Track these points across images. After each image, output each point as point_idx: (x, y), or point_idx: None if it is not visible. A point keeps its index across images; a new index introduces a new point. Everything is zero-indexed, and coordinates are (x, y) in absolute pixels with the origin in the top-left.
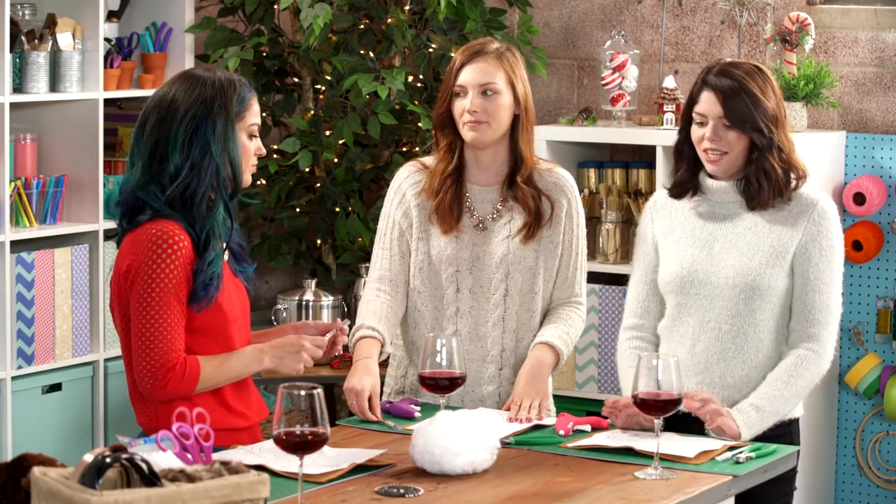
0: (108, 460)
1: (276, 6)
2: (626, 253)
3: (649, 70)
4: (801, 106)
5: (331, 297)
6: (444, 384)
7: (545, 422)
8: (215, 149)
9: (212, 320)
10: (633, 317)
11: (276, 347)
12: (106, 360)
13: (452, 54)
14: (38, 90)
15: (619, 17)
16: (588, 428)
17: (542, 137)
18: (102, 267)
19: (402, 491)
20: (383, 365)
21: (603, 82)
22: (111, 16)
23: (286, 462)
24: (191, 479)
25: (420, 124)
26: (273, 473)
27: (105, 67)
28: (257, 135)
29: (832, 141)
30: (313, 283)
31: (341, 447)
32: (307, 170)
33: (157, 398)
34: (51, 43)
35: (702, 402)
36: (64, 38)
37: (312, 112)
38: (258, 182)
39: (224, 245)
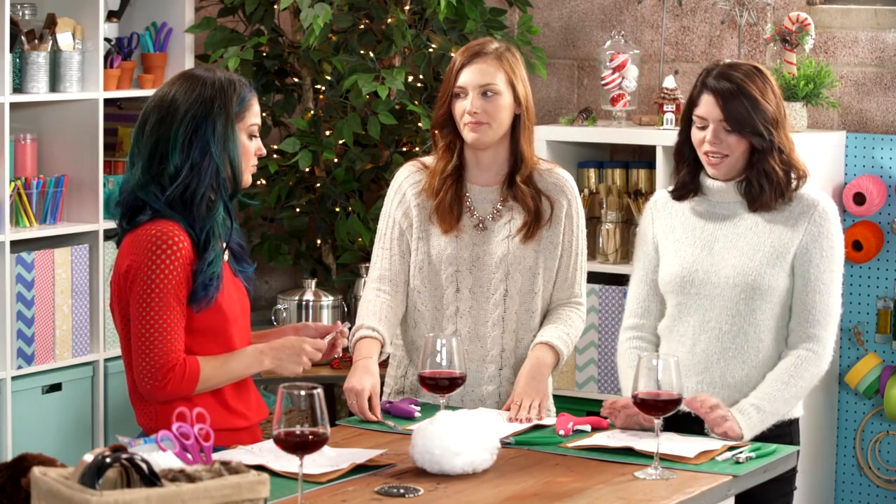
0: (108, 460)
1: (276, 6)
2: (626, 253)
3: (649, 70)
4: (801, 106)
5: (331, 297)
6: (444, 384)
7: (545, 422)
8: (215, 149)
9: (212, 320)
10: (633, 317)
11: (276, 349)
12: (106, 360)
13: (452, 54)
14: (38, 90)
15: (619, 17)
16: (588, 428)
17: (542, 137)
18: (102, 267)
19: (402, 491)
20: (383, 365)
21: (603, 82)
22: (111, 16)
23: (286, 462)
24: (191, 479)
25: (420, 124)
26: (273, 473)
27: (105, 67)
28: (257, 135)
29: (832, 141)
30: (313, 283)
31: (341, 447)
32: (307, 170)
33: (156, 398)
34: (51, 43)
35: (711, 408)
36: (64, 38)
37: (312, 112)
38: (258, 182)
39: (224, 245)
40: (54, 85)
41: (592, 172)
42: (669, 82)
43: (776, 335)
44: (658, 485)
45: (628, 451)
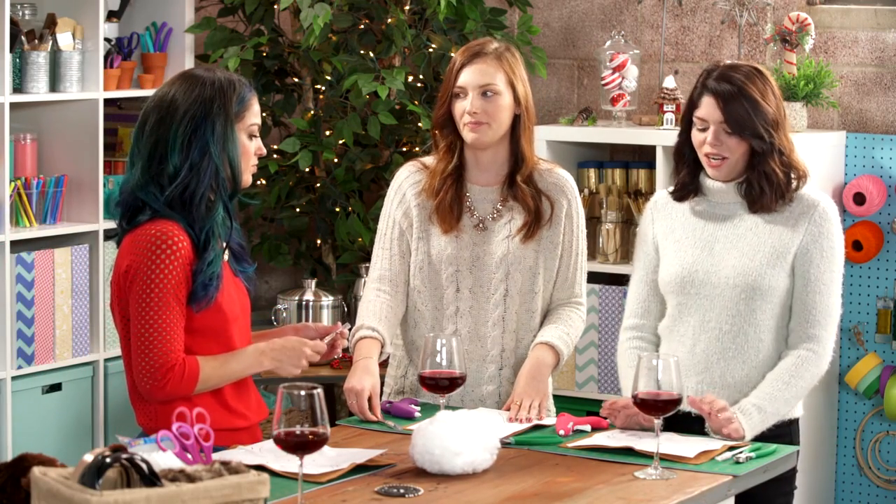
0: (108, 460)
1: (276, 6)
2: (626, 253)
3: (649, 70)
4: (801, 106)
5: (331, 297)
6: (444, 384)
7: (545, 422)
8: (214, 149)
9: (212, 320)
10: (633, 317)
11: (276, 350)
12: (106, 360)
13: (452, 54)
14: (38, 90)
15: (619, 17)
16: (588, 428)
17: (542, 137)
18: (102, 267)
19: (402, 491)
20: (383, 365)
21: (603, 82)
22: (111, 16)
23: (286, 462)
24: (191, 479)
25: (420, 124)
26: (273, 473)
27: (105, 67)
28: (257, 135)
29: (832, 141)
30: (313, 283)
31: (341, 447)
32: (307, 170)
33: (156, 398)
34: (51, 43)
35: (718, 410)
36: (64, 38)
37: (312, 112)
38: (258, 182)
39: (224, 245)
40: (54, 85)
41: (592, 172)
42: (669, 82)
43: (776, 335)
44: (658, 485)
45: (628, 451)
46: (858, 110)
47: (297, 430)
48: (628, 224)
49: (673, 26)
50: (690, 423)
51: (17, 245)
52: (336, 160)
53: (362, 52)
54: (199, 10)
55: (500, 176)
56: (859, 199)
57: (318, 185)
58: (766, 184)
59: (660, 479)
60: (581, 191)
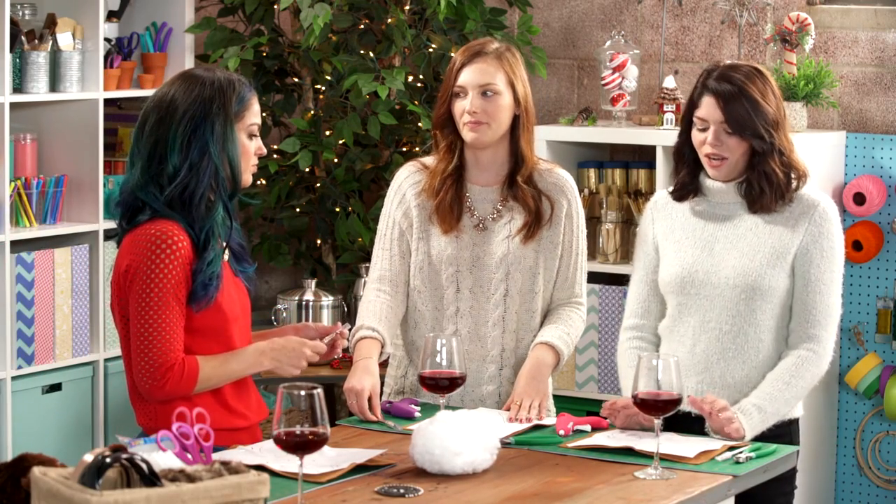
0: (108, 460)
1: (276, 6)
2: (626, 253)
3: (649, 70)
4: (801, 106)
5: (331, 297)
6: (444, 384)
7: (545, 422)
8: (214, 149)
9: (212, 320)
10: (633, 317)
11: (276, 350)
12: (106, 360)
13: (452, 54)
14: (38, 90)
15: (619, 17)
16: (588, 428)
17: (542, 137)
18: (102, 267)
19: (402, 491)
20: (383, 365)
21: (603, 82)
22: (111, 16)
23: (286, 462)
24: (191, 479)
25: (420, 124)
26: (273, 473)
27: (105, 67)
28: (258, 134)
29: (832, 141)
30: (313, 283)
31: (341, 447)
32: (307, 170)
33: (155, 398)
34: (51, 43)
35: (719, 410)
36: (64, 38)
37: (312, 112)
38: (258, 182)
39: (224, 245)
40: (54, 85)
41: (592, 172)
42: (669, 82)
43: (776, 335)
44: (658, 485)
45: (628, 451)
46: (858, 110)
47: (297, 430)
48: (628, 224)
49: (673, 26)
50: (690, 423)
51: (17, 245)
52: (336, 160)
53: (362, 52)
54: (199, 10)
55: (500, 176)
56: (859, 199)
57: (318, 185)
58: (766, 184)
59: (660, 479)
60: (581, 191)
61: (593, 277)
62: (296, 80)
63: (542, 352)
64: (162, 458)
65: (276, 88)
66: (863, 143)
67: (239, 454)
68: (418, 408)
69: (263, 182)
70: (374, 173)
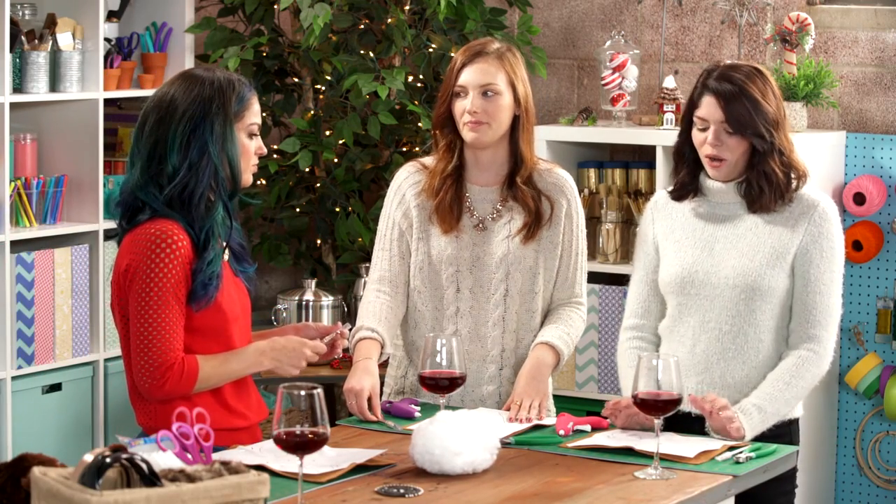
0: (108, 460)
1: (276, 6)
2: (626, 253)
3: (649, 70)
4: (801, 106)
5: (331, 297)
6: (444, 384)
7: (545, 422)
8: (213, 149)
9: (211, 320)
10: (633, 317)
11: (277, 350)
12: (106, 360)
13: (452, 54)
14: (38, 90)
15: (619, 17)
16: (588, 428)
17: (542, 137)
18: (102, 267)
19: (402, 491)
20: (383, 366)
21: (603, 82)
22: (111, 16)
23: (286, 462)
24: (191, 479)
25: (420, 124)
26: (273, 473)
27: (105, 67)
28: (258, 134)
29: (832, 141)
30: (313, 283)
31: (341, 447)
32: (307, 170)
33: (155, 397)
34: (51, 43)
35: (720, 409)
36: (64, 38)
37: (312, 112)
38: (258, 182)
39: (224, 245)
40: (54, 85)
41: (592, 172)
42: (669, 82)
43: (776, 336)
44: (658, 485)
45: (628, 451)
46: (858, 110)
47: (297, 430)
48: (628, 224)
49: (673, 26)
50: (690, 423)
51: (17, 245)
52: (336, 160)
53: (362, 52)
54: (199, 10)
55: (499, 176)
56: (859, 199)
57: (318, 185)
58: (766, 184)
59: (660, 479)
60: (581, 191)
61: (593, 277)
62: (296, 80)
63: (543, 352)
64: (162, 458)
65: (276, 88)
66: (863, 143)
67: (239, 454)
68: (418, 408)
69: (263, 182)
70: (374, 173)
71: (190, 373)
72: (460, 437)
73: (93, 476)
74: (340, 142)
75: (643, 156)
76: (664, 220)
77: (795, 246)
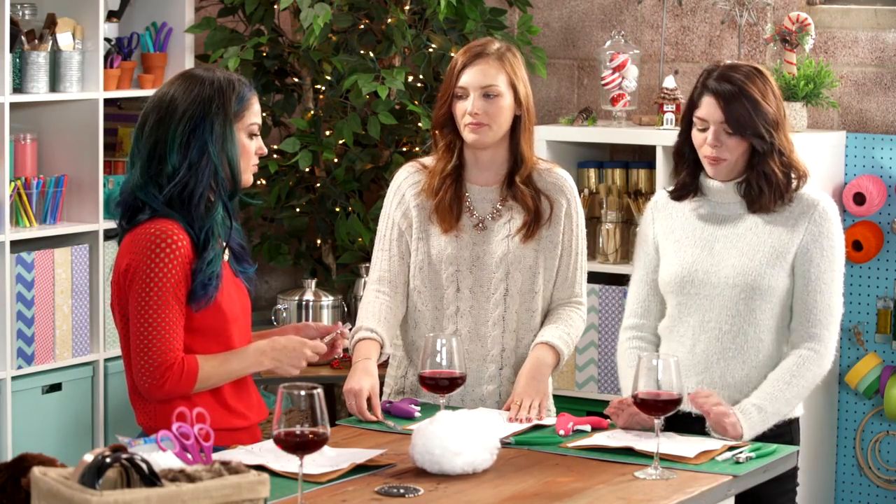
0: (108, 460)
1: (276, 6)
2: (626, 253)
3: (649, 70)
4: (801, 106)
5: (331, 297)
6: (444, 384)
7: (545, 422)
8: (213, 149)
9: (211, 320)
10: (633, 317)
11: (277, 350)
12: (106, 360)
13: (452, 54)
14: (38, 90)
15: (619, 17)
16: (588, 428)
17: (542, 137)
18: (102, 267)
19: (402, 491)
20: (383, 366)
21: (603, 82)
22: (111, 16)
23: (286, 462)
24: (191, 479)
25: (420, 124)
26: (273, 473)
27: (105, 67)
28: (258, 134)
29: (832, 141)
30: (313, 283)
31: (341, 447)
32: (307, 170)
33: (155, 397)
34: (51, 43)
35: (714, 405)
36: (64, 38)
37: (312, 112)
38: (258, 182)
39: (224, 245)
40: (54, 85)
41: (592, 172)
42: (669, 82)
43: (776, 335)
44: (658, 485)
45: (628, 451)
46: (858, 110)
47: (297, 430)
48: (628, 224)
49: (673, 26)
50: (690, 423)
51: (17, 245)
52: (336, 160)
53: (362, 52)
54: (199, 10)
55: (499, 175)
56: (859, 199)
57: (318, 185)
58: (766, 184)
59: (660, 479)
60: (581, 191)
61: (593, 277)
62: (296, 80)
63: (542, 352)
64: (162, 458)
65: (276, 88)
66: (863, 143)
67: (239, 454)
68: (418, 408)
69: (263, 182)
70: (374, 173)
71: (190, 373)
72: (460, 437)
73: (93, 476)
74: (340, 142)
75: (643, 156)
76: (664, 219)
77: (796, 245)
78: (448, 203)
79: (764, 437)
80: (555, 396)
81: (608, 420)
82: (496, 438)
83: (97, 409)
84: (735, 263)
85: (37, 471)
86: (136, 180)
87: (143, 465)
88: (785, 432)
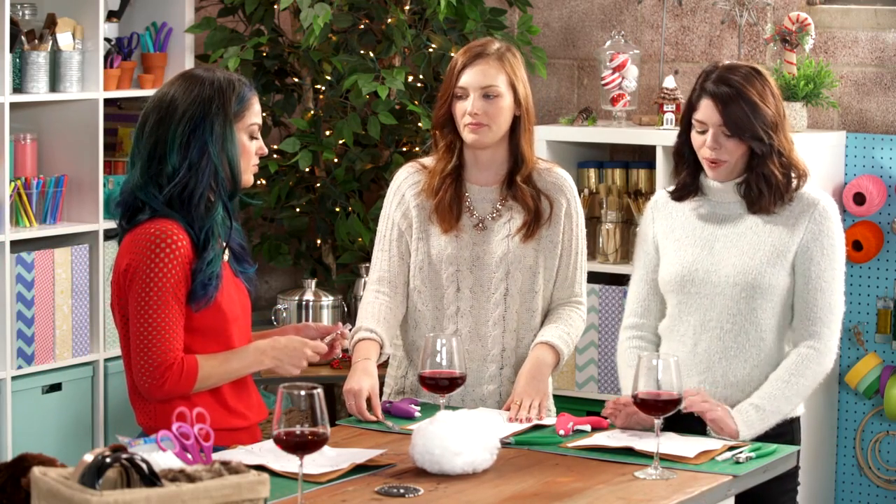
0: (108, 460)
1: (276, 6)
2: (626, 253)
3: (649, 70)
4: (801, 106)
5: (331, 297)
6: (444, 384)
7: (545, 422)
8: (213, 149)
9: (211, 320)
10: (633, 316)
11: (277, 349)
12: (106, 360)
13: (452, 54)
14: (38, 90)
15: (619, 17)
16: (588, 428)
17: (542, 137)
18: (102, 267)
19: (402, 491)
20: (382, 367)
21: (603, 82)
22: (111, 16)
23: (286, 462)
24: (191, 479)
25: (420, 124)
26: (273, 473)
27: (105, 67)
28: (258, 134)
29: (832, 141)
30: (313, 283)
31: (341, 447)
32: (307, 170)
33: (155, 397)
34: (51, 43)
35: (703, 401)
36: (64, 38)
37: (312, 112)
38: (258, 182)
39: (224, 245)
40: (54, 85)
41: (592, 172)
42: (669, 82)
43: (778, 334)
44: (658, 485)
45: (628, 451)
46: (858, 110)
47: (297, 430)
48: (628, 224)
49: (673, 26)
50: (690, 423)
51: (17, 245)
52: (336, 160)
53: (362, 52)
54: (199, 10)
55: (499, 175)
56: (859, 199)
57: (318, 185)
58: (765, 186)
59: (660, 479)
60: (581, 191)
61: (593, 277)
62: (296, 80)
63: (542, 351)
64: (162, 458)
65: (276, 88)
66: (863, 143)
67: (239, 454)
68: (418, 408)
69: (263, 182)
70: (374, 173)
71: (189, 372)
72: (460, 437)
73: (93, 476)
74: (340, 142)
75: (643, 156)
76: (664, 219)
77: (796, 244)
78: (448, 203)
79: (765, 437)
80: (555, 396)
81: (608, 420)
82: (496, 438)
83: (97, 409)
84: (736, 262)
85: (37, 471)
86: (136, 180)
87: (143, 465)
88: (786, 431)
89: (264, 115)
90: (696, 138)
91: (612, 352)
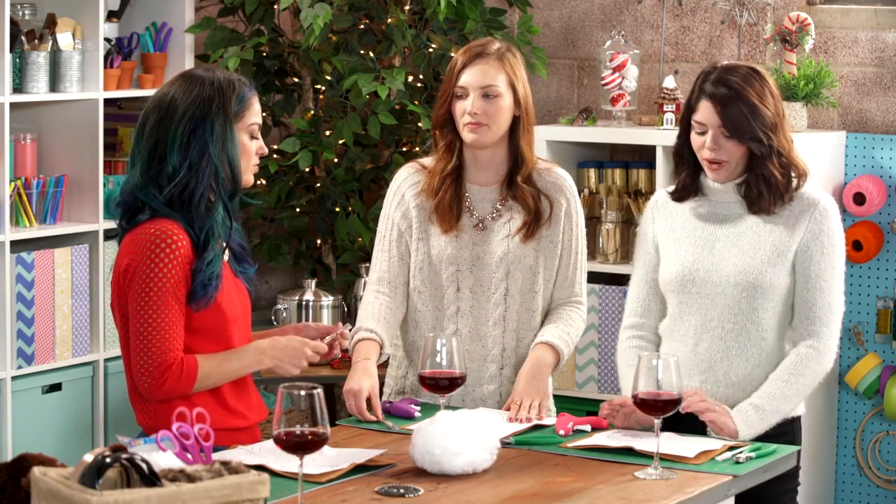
0: (108, 460)
1: (276, 6)
2: (626, 253)
3: (649, 70)
4: (801, 106)
5: (331, 297)
6: (444, 384)
7: (545, 422)
8: (213, 149)
9: (211, 320)
10: (633, 316)
11: (277, 349)
12: (106, 360)
13: (452, 54)
14: (38, 90)
15: (619, 17)
16: (588, 428)
17: (542, 137)
18: (102, 267)
19: (402, 491)
20: (382, 367)
21: (603, 82)
22: (111, 16)
23: (286, 462)
24: (191, 479)
25: (420, 124)
26: (273, 473)
27: (105, 67)
28: (258, 134)
29: (832, 141)
30: (313, 283)
31: (341, 447)
32: (307, 170)
33: (154, 397)
34: (51, 43)
35: (700, 401)
36: (64, 38)
37: (312, 112)
38: (258, 182)
39: (224, 245)
40: (54, 85)
41: (592, 172)
42: (669, 82)
43: (778, 334)
44: (658, 485)
45: (628, 451)
46: (858, 110)
47: (297, 430)
48: (628, 224)
49: (673, 26)
50: (690, 423)
51: (17, 245)
52: (336, 160)
53: (362, 52)
54: (199, 10)
55: (499, 175)
56: (859, 199)
57: (318, 185)
58: (765, 186)
59: (660, 479)
60: (581, 191)
61: (593, 277)
62: (296, 80)
63: (542, 351)
64: (162, 458)
65: (276, 88)
66: (863, 143)
67: (239, 454)
68: (418, 408)
69: (263, 182)
70: (374, 173)
71: (189, 372)
72: (460, 437)
73: (93, 476)
74: (340, 142)
75: (643, 156)
76: (664, 219)
77: (796, 243)
78: (448, 203)
79: (766, 437)
80: (555, 396)
81: (608, 420)
82: (496, 438)
83: (97, 409)
84: (736, 262)
85: (37, 471)
86: (136, 180)
87: (143, 465)
88: (787, 431)
89: (264, 115)
90: (695, 139)
91: (612, 352)
